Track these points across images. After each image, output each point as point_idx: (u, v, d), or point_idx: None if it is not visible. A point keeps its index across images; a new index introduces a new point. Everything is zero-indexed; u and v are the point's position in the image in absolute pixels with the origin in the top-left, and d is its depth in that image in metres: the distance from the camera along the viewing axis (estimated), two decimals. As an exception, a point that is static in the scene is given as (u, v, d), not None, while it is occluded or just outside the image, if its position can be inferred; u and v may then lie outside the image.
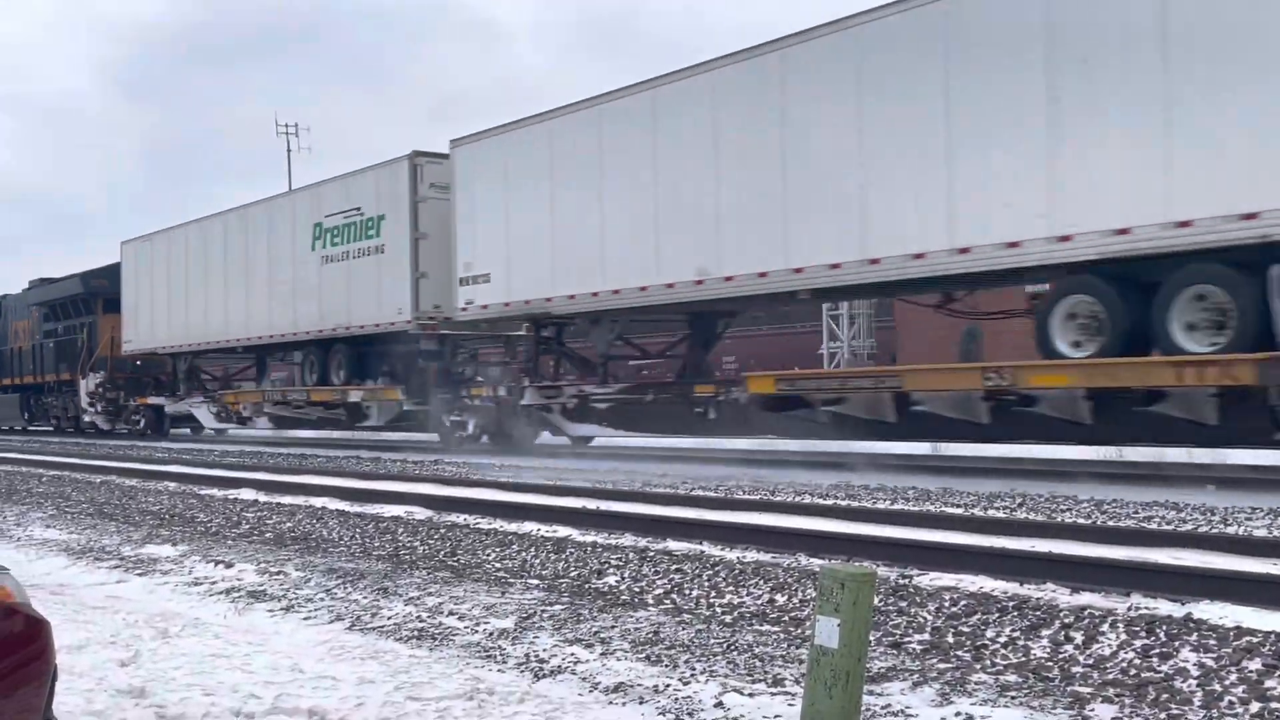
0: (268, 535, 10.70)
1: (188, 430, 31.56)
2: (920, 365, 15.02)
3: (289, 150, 55.69)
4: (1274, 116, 10.14)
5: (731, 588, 7.06)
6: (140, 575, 8.81)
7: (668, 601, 6.99)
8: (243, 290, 24.85)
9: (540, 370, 19.29)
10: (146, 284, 29.00)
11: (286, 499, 12.83)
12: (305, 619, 6.95)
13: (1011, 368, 12.60)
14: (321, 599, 7.50)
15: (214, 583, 8.27)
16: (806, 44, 13.96)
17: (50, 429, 35.81)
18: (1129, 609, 5.77)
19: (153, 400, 30.46)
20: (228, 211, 26.00)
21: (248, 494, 13.52)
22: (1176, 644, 5.20)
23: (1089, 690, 4.87)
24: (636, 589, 7.33)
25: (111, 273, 31.32)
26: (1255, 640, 5.10)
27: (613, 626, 6.38)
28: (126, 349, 30.19)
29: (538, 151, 17.87)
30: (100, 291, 31.99)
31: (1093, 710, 4.62)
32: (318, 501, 12.34)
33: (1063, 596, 6.13)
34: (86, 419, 32.74)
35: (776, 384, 15.24)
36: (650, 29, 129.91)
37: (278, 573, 8.48)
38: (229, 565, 8.87)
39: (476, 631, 6.39)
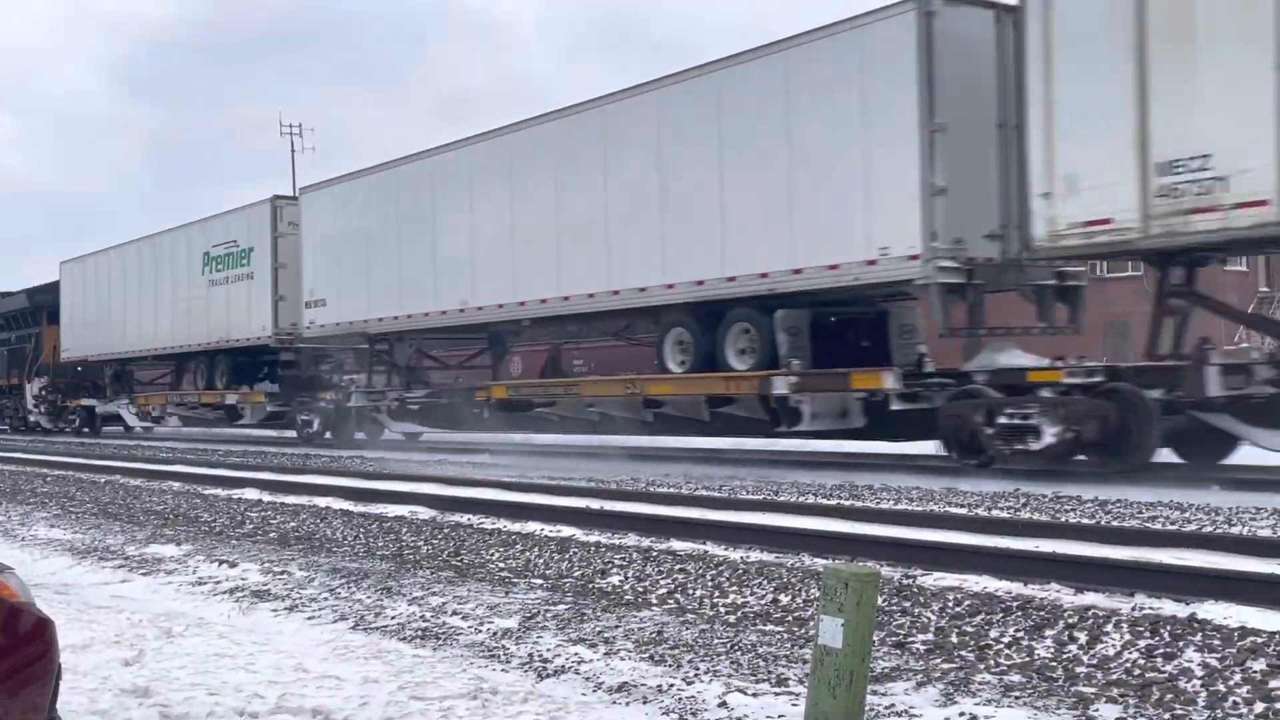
0: (271, 535, 10.71)
1: (120, 429, 34.41)
2: (593, 378, 19.77)
3: (293, 151, 55.61)
4: (771, 211, 14.72)
5: (735, 588, 7.06)
6: (144, 575, 8.83)
7: (671, 601, 7.00)
8: (153, 307, 29.14)
9: (374, 378, 23.29)
10: (80, 299, 33.08)
11: (290, 499, 12.84)
12: (309, 619, 6.96)
13: (639, 380, 17.45)
14: (325, 599, 7.50)
15: (218, 582, 8.28)
16: (528, 130, 18.69)
17: (5, 429, 38.57)
18: (1133, 609, 5.77)
19: (85, 402, 34.21)
20: (143, 239, 30.07)
21: (251, 494, 13.53)
22: (1181, 644, 5.20)
23: (1093, 690, 4.87)
24: (640, 589, 7.33)
25: (55, 289, 34.90)
26: (1260, 640, 5.09)
27: (616, 626, 6.38)
28: (64, 356, 34.09)
29: (356, 201, 22.41)
30: (45, 305, 35.49)
31: (1097, 710, 4.62)
32: (321, 501, 12.34)
33: (1067, 597, 6.13)
34: (32, 419, 36.25)
35: (508, 391, 19.88)
36: (656, 27, 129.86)
37: (282, 572, 8.49)
38: (233, 565, 8.89)
39: (480, 631, 6.39)
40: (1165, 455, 12.73)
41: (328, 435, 24.60)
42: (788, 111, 14.47)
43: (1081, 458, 12.30)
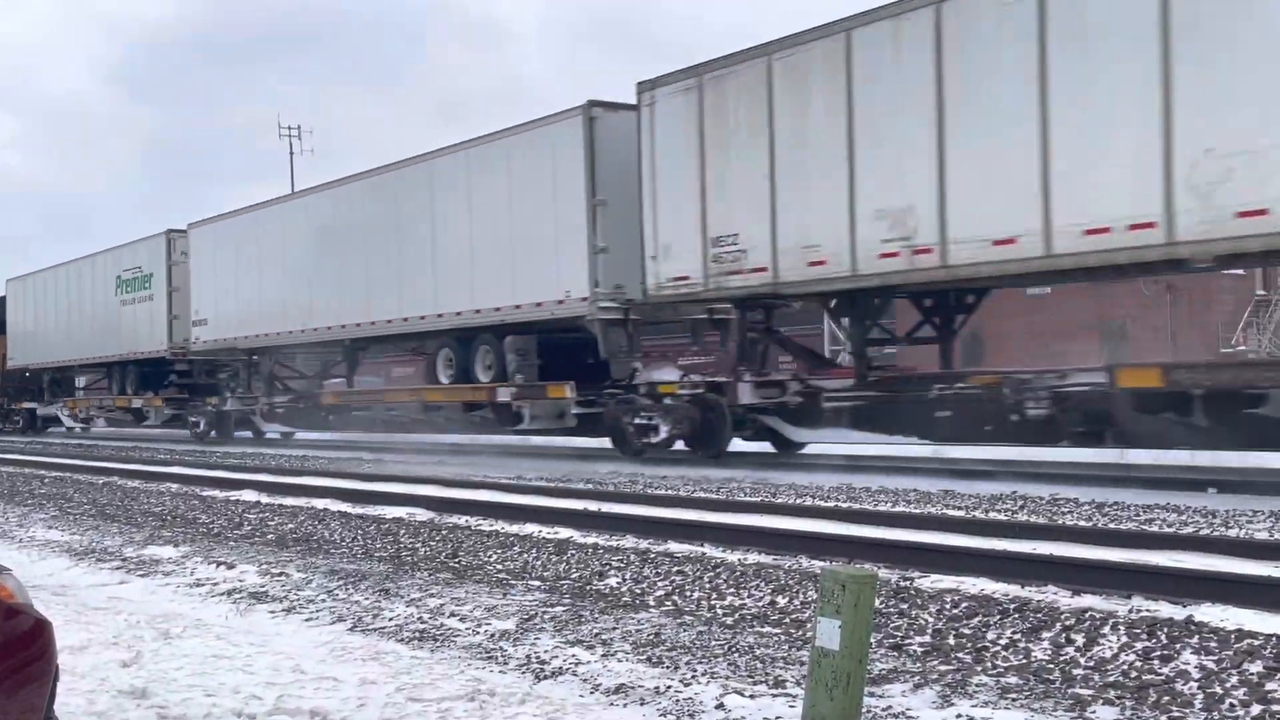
0: (269, 537, 10.70)
1: (63, 429, 37.65)
2: (389, 387, 25.24)
3: (291, 153, 55.72)
4: (503, 260, 18.89)
5: (733, 589, 7.06)
6: (142, 576, 8.82)
7: (669, 603, 7.00)
8: (79, 322, 33.51)
9: (253, 386, 27.29)
10: (23, 314, 37.30)
11: (288, 500, 12.84)
12: (307, 620, 6.96)
13: (420, 389, 22.25)
14: (323, 600, 7.50)
15: (216, 584, 8.28)
16: (351, 185, 22.99)
17: None
18: (1130, 611, 5.78)
19: (27, 405, 38.44)
20: (71, 262, 34.39)
21: (249, 495, 13.53)
22: (1177, 646, 5.21)
23: (1090, 692, 4.88)
24: (638, 590, 7.34)
25: (3, 303, 38.68)
26: (1256, 643, 5.10)
27: (614, 628, 6.39)
28: (10, 364, 38.02)
29: (230, 237, 26.75)
30: None
31: (1094, 712, 4.63)
32: (319, 503, 12.34)
33: (1064, 599, 6.13)
34: None
35: (336, 398, 24.61)
36: (657, 27, 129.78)
37: (279, 574, 8.49)
38: (231, 566, 8.88)
39: (478, 633, 6.39)
40: (766, 446, 17.16)
41: (213, 434, 28.72)
42: (510, 184, 18.81)
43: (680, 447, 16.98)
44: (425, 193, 20.62)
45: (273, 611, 7.24)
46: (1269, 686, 4.67)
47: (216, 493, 14.11)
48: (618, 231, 16.98)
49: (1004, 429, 13.28)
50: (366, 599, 7.47)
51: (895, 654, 5.63)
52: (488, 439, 21.51)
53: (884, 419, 14.64)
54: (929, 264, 13.08)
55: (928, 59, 12.93)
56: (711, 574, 7.42)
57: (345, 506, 11.95)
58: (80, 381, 36.44)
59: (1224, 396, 11.63)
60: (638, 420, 16.98)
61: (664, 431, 16.57)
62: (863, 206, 13.57)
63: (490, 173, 19.16)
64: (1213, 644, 5.17)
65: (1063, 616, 5.78)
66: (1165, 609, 5.77)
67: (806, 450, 17.57)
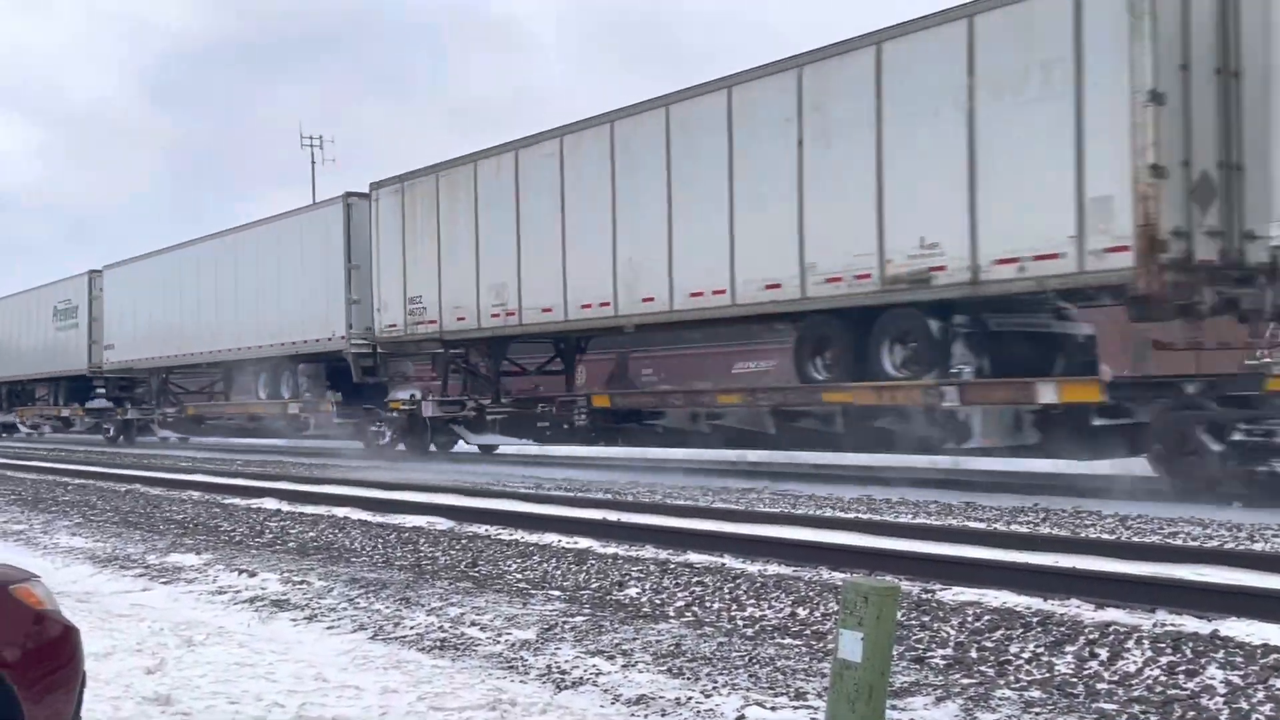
0: (291, 545, 10.74)
1: (21, 433, 43.42)
2: (229, 403, 29.95)
3: (313, 164, 56.06)
4: (296, 306, 25.03)
5: (753, 601, 7.05)
6: (165, 583, 8.87)
7: (689, 614, 6.99)
8: (28, 344, 40.16)
9: (157, 399, 33.13)
10: None
11: (309, 509, 12.88)
12: (328, 628, 6.98)
13: (248, 404, 27.93)
14: (344, 608, 7.53)
15: (238, 592, 8.32)
16: (214, 239, 29.13)
17: None
18: (1154, 625, 5.74)
19: None
20: (22, 293, 40.99)
21: (270, 504, 13.58)
22: (1203, 661, 5.17)
23: (1114, 707, 4.85)
24: (658, 601, 7.33)
25: None
26: (1282, 658, 5.06)
27: (634, 638, 6.38)
28: None
29: (131, 278, 32.80)
30: None
31: (1118, 727, 4.60)
32: (340, 511, 12.38)
33: (1087, 612, 6.10)
34: None
35: (194, 409, 31.37)
36: (681, 34, 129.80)
37: (301, 582, 8.52)
38: (252, 574, 8.92)
39: (498, 642, 6.40)
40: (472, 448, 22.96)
41: (121, 439, 35.02)
42: (301, 251, 24.92)
43: (401, 447, 23.06)
44: (251, 253, 26.98)
45: (294, 620, 7.26)
46: (1296, 702, 4.63)
47: (238, 501, 14.18)
48: (367, 288, 22.69)
49: (561, 434, 20.01)
50: (387, 607, 7.49)
51: (917, 667, 5.61)
52: (304, 443, 27.75)
53: (516, 427, 21.15)
54: (513, 322, 19.34)
55: (510, 189, 19.25)
56: (731, 585, 7.41)
57: (365, 515, 11.98)
58: (37, 393, 42.39)
59: (634, 414, 18.68)
60: (373, 427, 23.58)
61: (388, 436, 23.21)
62: (483, 282, 19.82)
63: (288, 241, 25.51)
64: (1239, 659, 5.13)
65: (1086, 630, 5.74)
66: (1190, 623, 5.73)
67: (500, 450, 23.24)
